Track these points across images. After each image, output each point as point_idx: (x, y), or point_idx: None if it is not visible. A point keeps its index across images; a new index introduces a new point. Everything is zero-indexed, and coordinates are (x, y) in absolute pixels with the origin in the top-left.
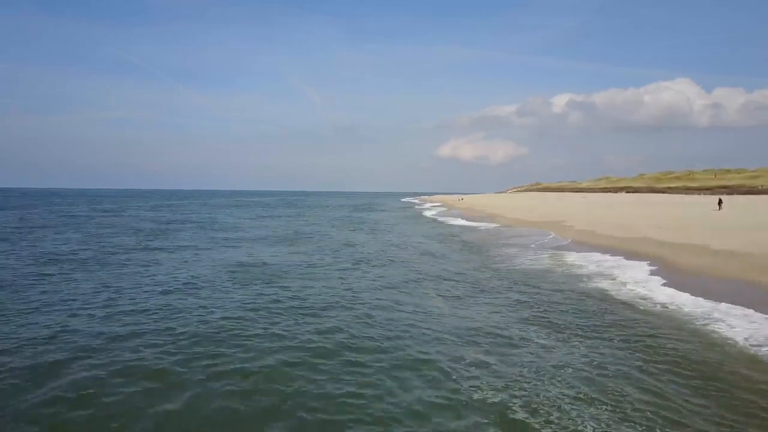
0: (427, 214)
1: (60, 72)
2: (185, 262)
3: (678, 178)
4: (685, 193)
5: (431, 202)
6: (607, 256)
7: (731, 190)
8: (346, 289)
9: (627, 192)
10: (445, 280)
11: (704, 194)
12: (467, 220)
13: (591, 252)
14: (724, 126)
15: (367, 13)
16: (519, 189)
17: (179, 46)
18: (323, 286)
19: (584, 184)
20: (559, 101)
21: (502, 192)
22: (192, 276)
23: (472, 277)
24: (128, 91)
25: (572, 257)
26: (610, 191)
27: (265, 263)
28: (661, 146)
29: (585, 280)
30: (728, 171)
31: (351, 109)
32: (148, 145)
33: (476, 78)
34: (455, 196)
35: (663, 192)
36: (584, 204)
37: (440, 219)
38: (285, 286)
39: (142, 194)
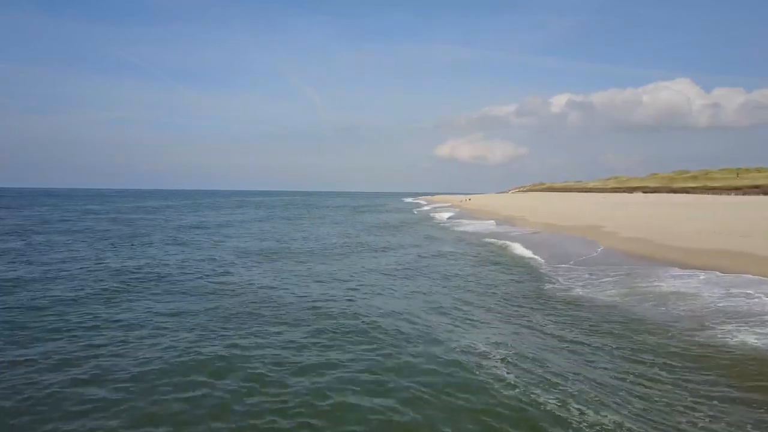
0: (438, 216)
1: (60, 72)
2: (124, 294)
3: (695, 178)
4: (711, 193)
5: (436, 202)
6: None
7: (765, 190)
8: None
9: (644, 192)
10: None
11: (735, 194)
12: (486, 224)
13: (687, 272)
14: (723, 126)
15: (367, 13)
16: (521, 189)
17: (179, 46)
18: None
19: (592, 184)
20: (558, 101)
21: (503, 192)
22: (112, 326)
23: (539, 319)
24: (128, 91)
25: (664, 282)
26: (622, 191)
27: (238, 307)
28: (661, 146)
29: (719, 328)
30: (747, 170)
31: (350, 109)
32: (148, 145)
33: (475, 78)
34: (459, 196)
35: (684, 192)
36: (609, 205)
37: (455, 223)
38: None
39: (140, 194)
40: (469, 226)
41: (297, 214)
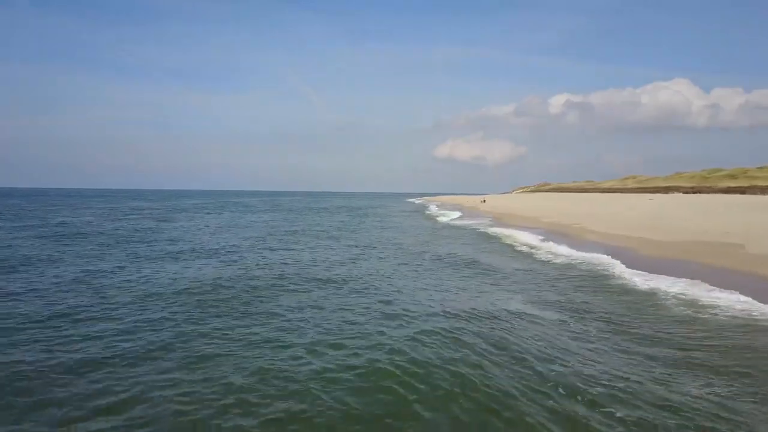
0: (465, 224)
1: (59, 72)
2: None
3: (733, 177)
4: None
5: (447, 204)
6: None
7: None
8: None
9: (684, 192)
10: None
11: None
12: (557, 242)
13: None
14: (722, 126)
15: (367, 13)
16: (525, 189)
17: (179, 46)
18: None
19: (608, 184)
20: (557, 101)
21: (507, 193)
22: None
23: None
24: (127, 91)
25: None
26: (648, 191)
27: None
28: (660, 147)
29: None
30: None
31: (349, 109)
32: (148, 145)
33: (474, 77)
34: (466, 197)
35: (740, 192)
36: (675, 208)
37: (505, 236)
38: None
39: (133, 194)
40: (519, 239)
41: (285, 221)
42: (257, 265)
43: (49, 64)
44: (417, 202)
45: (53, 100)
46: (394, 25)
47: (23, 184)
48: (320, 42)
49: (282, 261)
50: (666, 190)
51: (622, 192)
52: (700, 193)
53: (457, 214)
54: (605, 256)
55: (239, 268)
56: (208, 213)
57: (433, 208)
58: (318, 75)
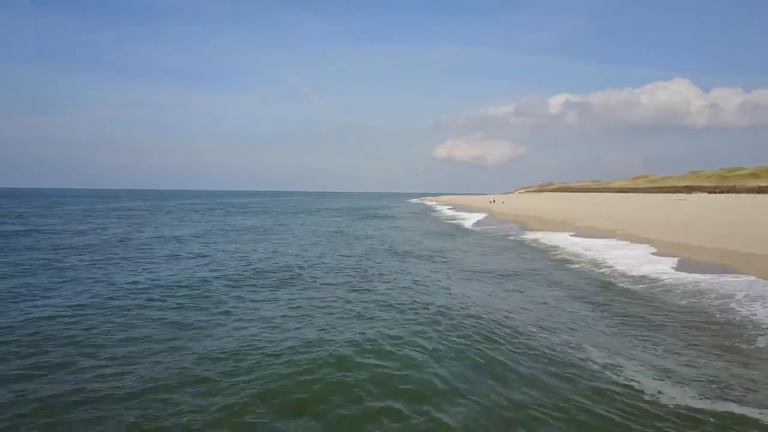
0: (490, 229)
1: (59, 72)
2: None
3: (754, 176)
4: None
5: (456, 205)
6: None
7: None
8: None
9: (709, 192)
10: None
11: None
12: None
13: None
14: (722, 126)
15: (367, 13)
16: (528, 189)
17: (179, 46)
18: None
19: (618, 184)
20: (557, 101)
21: (509, 193)
22: None
23: None
24: (127, 91)
25: None
26: (666, 191)
27: None
28: (660, 146)
29: None
30: None
31: (349, 109)
32: (147, 145)
33: (474, 77)
34: (474, 197)
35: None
36: (730, 211)
37: (599, 251)
38: None
39: (131, 195)
40: (572, 251)
41: (274, 225)
42: (224, 312)
43: (49, 64)
44: (427, 203)
45: (53, 100)
46: (394, 25)
47: (23, 185)
48: (320, 42)
49: (268, 305)
50: (687, 189)
51: (635, 192)
52: (729, 192)
53: (475, 216)
54: (734, 278)
55: (193, 322)
56: (200, 213)
57: (443, 210)
58: (318, 75)
